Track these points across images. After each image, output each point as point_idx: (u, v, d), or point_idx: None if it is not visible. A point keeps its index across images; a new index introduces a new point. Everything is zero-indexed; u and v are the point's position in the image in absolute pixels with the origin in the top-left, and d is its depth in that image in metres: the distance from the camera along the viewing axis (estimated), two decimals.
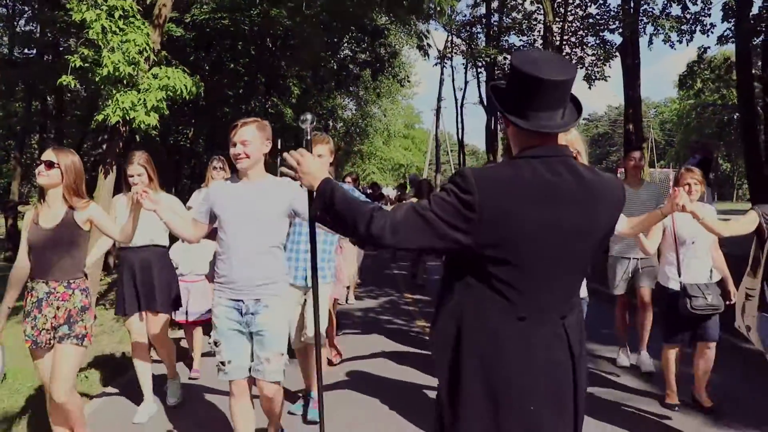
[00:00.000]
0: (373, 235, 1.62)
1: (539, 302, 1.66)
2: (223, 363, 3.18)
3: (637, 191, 5.32)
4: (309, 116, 2.37)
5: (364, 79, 21.71)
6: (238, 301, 3.13)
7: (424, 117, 54.00)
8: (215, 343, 3.21)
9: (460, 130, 32.17)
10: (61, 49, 14.03)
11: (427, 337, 6.35)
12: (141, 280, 4.24)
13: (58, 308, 3.22)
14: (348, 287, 7.89)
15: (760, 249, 3.58)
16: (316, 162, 1.90)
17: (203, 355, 5.41)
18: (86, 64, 6.52)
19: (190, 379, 5.15)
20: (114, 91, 6.49)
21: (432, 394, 4.50)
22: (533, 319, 1.65)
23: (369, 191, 11.16)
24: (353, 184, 8.10)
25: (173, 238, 4.46)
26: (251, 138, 3.06)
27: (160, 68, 6.87)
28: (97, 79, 6.44)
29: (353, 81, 20.91)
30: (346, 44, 18.83)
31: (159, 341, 4.39)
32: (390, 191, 18.78)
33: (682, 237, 4.24)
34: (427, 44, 14.05)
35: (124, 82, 6.55)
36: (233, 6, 13.86)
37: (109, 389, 4.95)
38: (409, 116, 49.34)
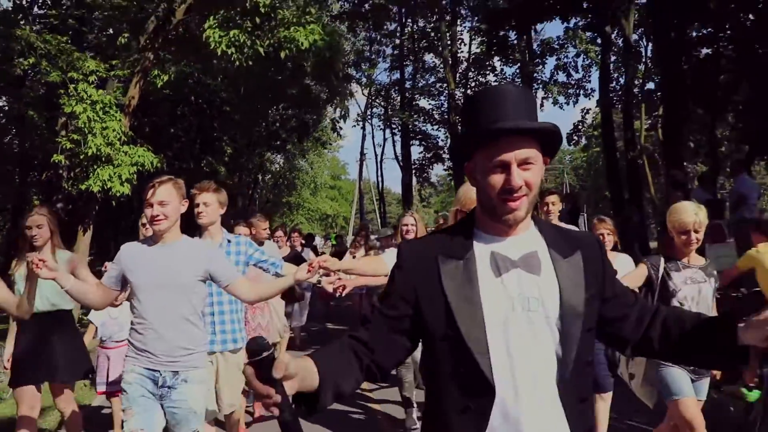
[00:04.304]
0: None
1: None
2: None
3: None
4: None
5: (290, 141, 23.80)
6: (155, 371, 2.91)
7: (349, 168, 56.39)
8: (124, 411, 2.94)
9: (380, 183, 34.87)
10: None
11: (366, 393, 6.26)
12: (42, 349, 3.87)
13: None
14: (277, 344, 6.55)
15: (651, 300, 3.44)
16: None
17: None
18: (72, 146, 8.22)
19: None
20: (95, 167, 8.18)
21: None
22: None
23: (302, 242, 12.79)
24: (284, 237, 7.71)
25: None
26: (169, 198, 2.91)
27: (130, 147, 8.63)
28: (81, 157, 8.13)
29: (281, 145, 22.96)
30: (274, 111, 20.95)
31: (67, 412, 4.06)
32: (318, 241, 20.50)
33: None
34: (340, 127, 16.53)
35: (103, 159, 8.25)
36: (178, 78, 15.70)
37: None
38: (335, 168, 51.37)
